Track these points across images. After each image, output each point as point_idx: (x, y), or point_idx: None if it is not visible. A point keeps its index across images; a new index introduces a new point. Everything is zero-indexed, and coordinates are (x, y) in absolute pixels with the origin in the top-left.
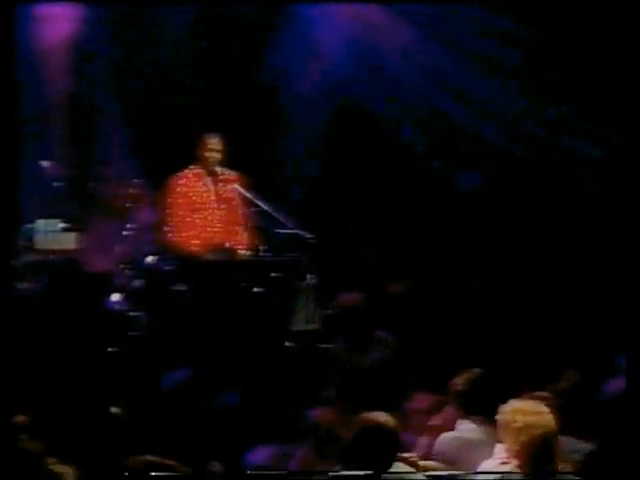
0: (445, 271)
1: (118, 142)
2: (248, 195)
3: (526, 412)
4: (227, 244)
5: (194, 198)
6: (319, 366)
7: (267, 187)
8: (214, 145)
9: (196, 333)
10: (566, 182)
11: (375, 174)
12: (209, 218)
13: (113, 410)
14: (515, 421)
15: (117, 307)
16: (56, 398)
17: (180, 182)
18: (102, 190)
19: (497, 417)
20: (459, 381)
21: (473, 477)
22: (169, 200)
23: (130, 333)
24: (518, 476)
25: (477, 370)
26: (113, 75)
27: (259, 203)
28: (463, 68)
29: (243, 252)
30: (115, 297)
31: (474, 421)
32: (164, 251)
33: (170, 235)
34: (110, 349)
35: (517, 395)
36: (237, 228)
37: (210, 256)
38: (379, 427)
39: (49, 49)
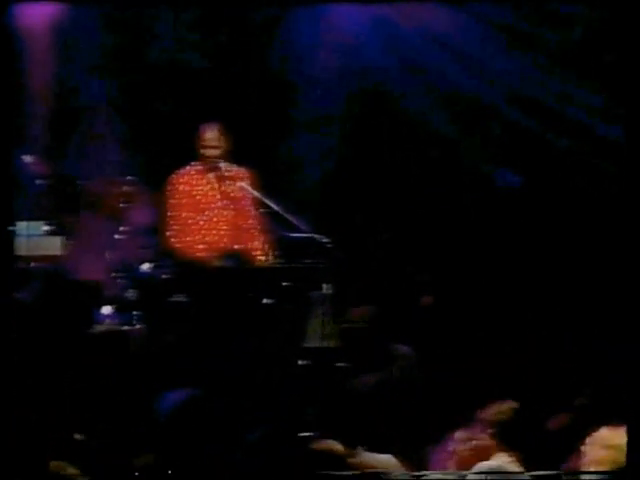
0: (480, 282)
1: (110, 135)
2: (257, 194)
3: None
4: (234, 249)
5: (198, 198)
6: (335, 387)
7: (278, 185)
8: (210, 140)
9: (197, 350)
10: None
11: (402, 171)
12: (214, 220)
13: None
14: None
15: (108, 321)
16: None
17: (182, 180)
18: (92, 189)
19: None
20: (496, 411)
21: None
22: (169, 200)
23: (123, 351)
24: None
25: (514, 402)
26: (106, 64)
27: (269, 203)
28: (500, 50)
29: (252, 258)
30: (106, 310)
31: (512, 455)
32: (162, 257)
33: (171, 239)
34: (100, 370)
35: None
36: (245, 231)
37: (215, 263)
38: None
39: (34, 37)
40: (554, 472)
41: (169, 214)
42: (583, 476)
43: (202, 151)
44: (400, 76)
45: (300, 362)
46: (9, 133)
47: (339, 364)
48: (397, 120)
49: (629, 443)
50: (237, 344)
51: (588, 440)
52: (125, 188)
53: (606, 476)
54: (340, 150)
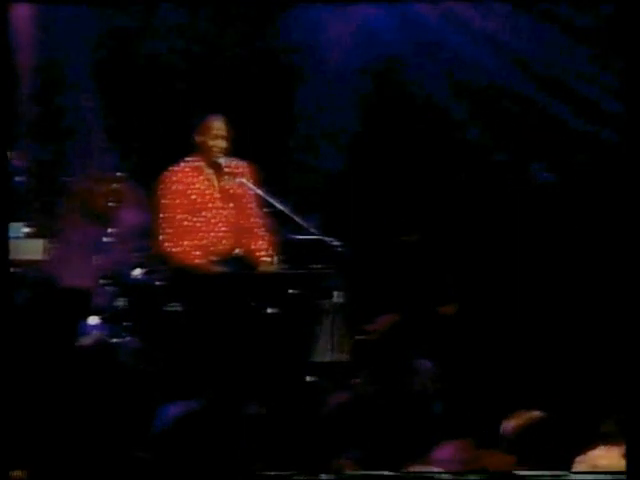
0: (508, 286)
1: (97, 128)
2: (259, 191)
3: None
4: (234, 253)
5: (194, 197)
6: (349, 407)
7: (283, 181)
8: (219, 130)
9: (194, 365)
10: None
11: (423, 165)
12: (213, 221)
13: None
14: None
15: (95, 333)
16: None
17: (176, 178)
18: (77, 186)
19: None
20: (514, 425)
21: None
22: (163, 200)
23: (112, 366)
24: None
25: (536, 414)
26: (91, 51)
27: (273, 201)
28: (528, 31)
29: (254, 263)
30: (93, 320)
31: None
32: (155, 262)
33: (165, 243)
34: (86, 387)
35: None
36: (247, 233)
37: (213, 268)
38: None
39: (17, 24)
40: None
41: (162, 215)
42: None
43: (210, 143)
44: (419, 61)
45: (308, 379)
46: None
47: (352, 381)
48: (420, 111)
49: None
50: (238, 358)
51: (578, 458)
52: (114, 186)
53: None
54: (354, 142)
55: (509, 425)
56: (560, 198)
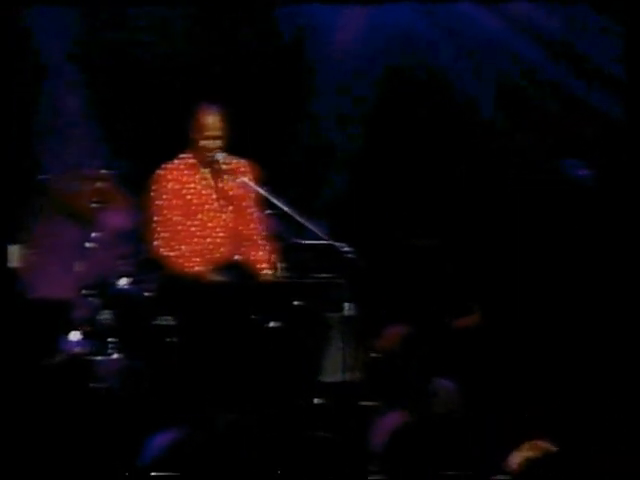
0: (537, 296)
1: (79, 120)
2: (262, 192)
3: None
4: (234, 260)
5: (189, 198)
6: (360, 431)
7: (288, 181)
8: (213, 124)
9: (188, 386)
10: None
11: (446, 163)
12: (209, 225)
13: None
14: None
15: (77, 350)
16: None
17: (170, 176)
18: (56, 185)
19: None
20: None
21: None
22: (156, 201)
23: (95, 386)
24: None
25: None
26: (74, 39)
27: (277, 203)
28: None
29: (255, 272)
30: (74, 336)
31: None
32: (144, 270)
33: (156, 249)
34: (67, 410)
35: None
36: (248, 238)
37: (210, 277)
38: None
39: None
40: None
41: (154, 217)
42: None
43: (201, 140)
44: (447, 55)
45: (316, 400)
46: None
47: (364, 402)
48: (443, 108)
49: None
50: (237, 378)
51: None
52: (98, 184)
53: None
54: (368, 137)
55: (516, 457)
56: (598, 197)
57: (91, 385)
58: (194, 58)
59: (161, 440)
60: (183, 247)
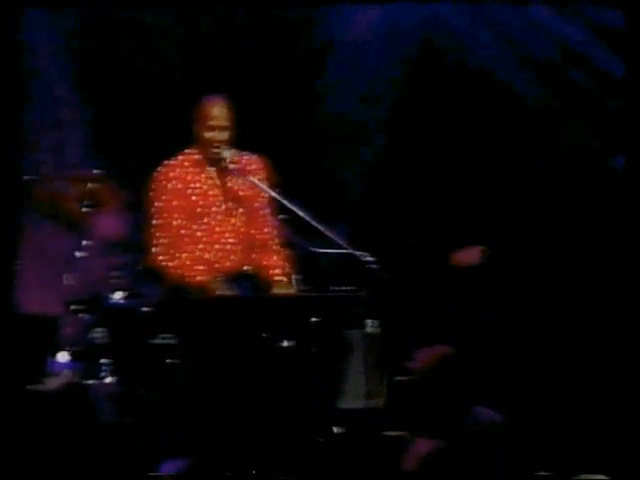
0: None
1: (69, 114)
2: (275, 194)
3: None
4: (243, 271)
5: (194, 199)
6: (383, 463)
7: (304, 181)
8: (219, 114)
9: (192, 413)
10: None
11: (481, 158)
12: (217, 230)
13: None
14: None
15: (66, 373)
16: None
17: (172, 174)
18: (43, 187)
19: None
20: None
21: None
22: (155, 203)
23: (86, 415)
24: None
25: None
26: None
27: (292, 206)
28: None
29: (267, 283)
30: (62, 357)
31: None
32: (142, 282)
33: (156, 257)
34: (55, 440)
35: None
36: (259, 245)
37: (216, 290)
38: None
39: None
40: None
41: (153, 222)
42: None
43: (206, 132)
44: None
45: (335, 430)
46: None
47: (389, 433)
48: (474, 91)
49: None
50: (247, 403)
51: None
52: (90, 185)
53: None
54: (394, 132)
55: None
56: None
57: (82, 413)
58: (196, 50)
59: (167, 469)
60: (185, 255)
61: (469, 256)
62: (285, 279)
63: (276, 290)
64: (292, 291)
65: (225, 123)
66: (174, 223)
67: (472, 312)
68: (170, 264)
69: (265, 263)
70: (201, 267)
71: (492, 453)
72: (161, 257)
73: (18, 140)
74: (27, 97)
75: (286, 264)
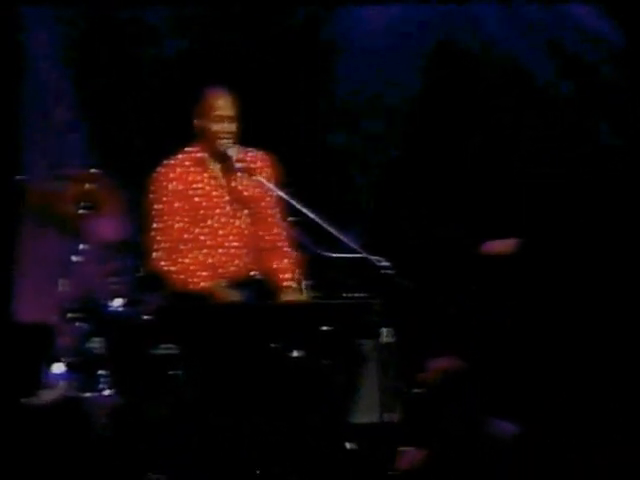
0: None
1: (64, 108)
2: (283, 194)
3: None
4: (250, 276)
5: (196, 200)
6: None
7: (315, 180)
8: (224, 105)
9: (194, 429)
10: None
11: (506, 156)
12: (221, 233)
13: None
14: None
15: (62, 385)
16: None
17: (173, 174)
18: (36, 187)
19: None
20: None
21: None
22: (156, 204)
23: (83, 430)
24: None
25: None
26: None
27: (301, 207)
28: None
29: (275, 290)
30: (57, 369)
31: None
32: (142, 289)
33: (157, 262)
34: (50, 456)
35: None
36: (267, 249)
37: (221, 296)
38: None
39: None
40: None
41: (154, 225)
42: None
43: (212, 126)
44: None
45: (348, 446)
46: None
47: (404, 448)
48: (496, 83)
49: None
50: (254, 418)
51: None
52: (86, 186)
53: None
54: (411, 126)
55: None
56: None
57: (78, 428)
58: (202, 44)
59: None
60: (187, 260)
61: (503, 246)
62: (295, 285)
63: (285, 296)
64: (302, 298)
65: (232, 113)
66: (176, 226)
67: (486, 314)
68: (172, 269)
69: (275, 267)
70: (204, 273)
71: (506, 468)
72: (162, 262)
73: (14, 140)
74: (23, 94)
75: (296, 268)
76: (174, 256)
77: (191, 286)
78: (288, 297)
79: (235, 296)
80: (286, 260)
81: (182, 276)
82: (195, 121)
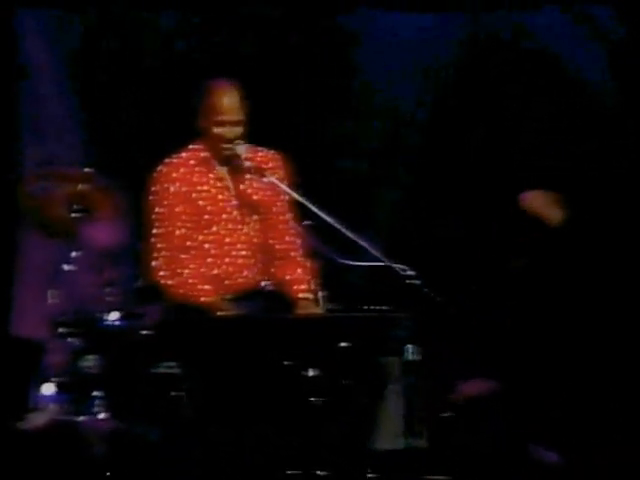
0: None
1: (56, 102)
2: (297, 196)
3: None
4: (260, 287)
5: (201, 204)
6: None
7: (332, 181)
8: (229, 105)
9: (199, 455)
10: None
11: (545, 154)
12: (228, 240)
13: None
14: None
15: (53, 407)
16: None
17: (174, 174)
18: (25, 187)
19: None
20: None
21: None
22: (154, 208)
23: (75, 457)
24: None
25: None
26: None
27: (316, 210)
28: None
29: (289, 302)
30: (47, 389)
31: None
32: (141, 301)
33: (157, 272)
34: None
35: None
36: (279, 258)
37: (228, 310)
38: None
39: None
40: None
41: (154, 231)
42: None
43: (214, 129)
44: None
45: (369, 475)
46: None
47: (431, 477)
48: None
49: None
50: (265, 445)
51: None
52: (80, 187)
53: None
54: (442, 122)
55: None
56: None
57: (71, 455)
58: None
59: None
60: (187, 271)
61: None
62: (311, 296)
63: (300, 309)
64: (318, 310)
65: (237, 117)
66: (177, 233)
67: (523, 326)
68: (169, 282)
69: (288, 278)
70: (206, 286)
71: None
72: (161, 272)
73: (12, 140)
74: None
75: (312, 279)
76: (173, 266)
77: (194, 299)
78: (303, 310)
79: (243, 310)
80: (300, 270)
81: (181, 290)
82: (198, 119)
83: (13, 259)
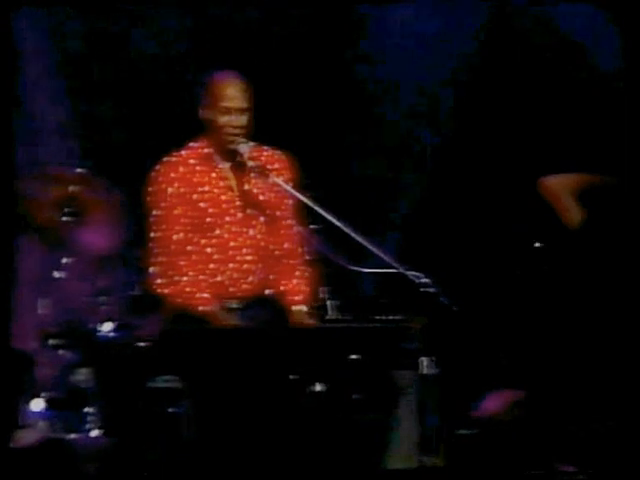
0: None
1: (46, 98)
2: (303, 198)
3: None
4: (264, 295)
5: (202, 205)
6: None
7: (340, 182)
8: (234, 96)
9: (199, 475)
10: None
11: (564, 154)
12: (232, 244)
13: None
14: None
15: (43, 425)
16: None
17: (174, 174)
18: (17, 191)
19: None
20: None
21: None
22: (154, 210)
23: (68, 476)
24: None
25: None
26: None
27: (324, 213)
28: None
29: (296, 311)
30: (36, 405)
31: None
32: (137, 311)
33: (155, 279)
34: None
35: None
36: (284, 263)
37: (230, 319)
38: None
39: None
40: None
41: (152, 235)
42: None
43: (219, 118)
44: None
45: None
46: None
47: None
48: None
49: None
50: (269, 464)
51: None
52: (71, 188)
53: None
54: (458, 122)
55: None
56: None
57: (62, 475)
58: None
59: None
60: (186, 279)
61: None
62: (305, 308)
63: (292, 322)
64: (311, 322)
65: (243, 104)
66: (174, 237)
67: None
68: (165, 291)
69: (282, 288)
70: (205, 294)
71: None
72: (158, 281)
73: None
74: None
75: (309, 290)
76: (170, 273)
77: (194, 308)
78: (306, 320)
79: (247, 320)
80: (296, 280)
81: (178, 299)
82: (200, 111)
83: (11, 266)
